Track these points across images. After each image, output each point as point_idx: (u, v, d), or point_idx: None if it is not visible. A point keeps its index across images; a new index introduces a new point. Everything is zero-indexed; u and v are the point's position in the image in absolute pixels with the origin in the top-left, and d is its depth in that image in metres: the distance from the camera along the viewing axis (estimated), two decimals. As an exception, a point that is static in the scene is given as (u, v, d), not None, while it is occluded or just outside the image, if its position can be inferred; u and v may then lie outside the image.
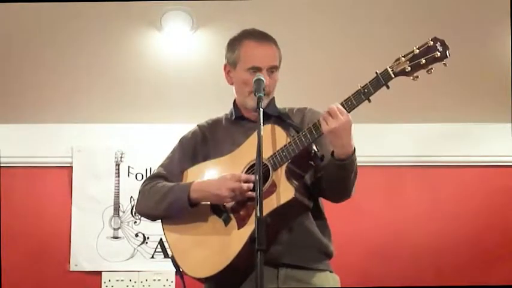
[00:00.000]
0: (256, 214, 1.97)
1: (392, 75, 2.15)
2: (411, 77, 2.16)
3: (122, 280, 4.52)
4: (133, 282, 4.52)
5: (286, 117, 2.44)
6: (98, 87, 4.34)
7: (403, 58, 2.16)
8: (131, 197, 4.58)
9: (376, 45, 3.94)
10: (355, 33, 3.95)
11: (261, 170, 2.05)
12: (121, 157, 4.66)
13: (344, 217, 4.18)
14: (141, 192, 2.50)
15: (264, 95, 2.32)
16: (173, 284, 4.48)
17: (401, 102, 4.26)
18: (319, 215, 2.38)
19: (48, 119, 4.58)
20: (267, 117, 2.40)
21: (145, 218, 2.56)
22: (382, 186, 4.64)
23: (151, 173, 2.59)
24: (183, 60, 4.15)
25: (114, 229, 4.60)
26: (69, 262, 4.52)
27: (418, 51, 2.15)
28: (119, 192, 4.63)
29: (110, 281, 4.52)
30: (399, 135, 4.66)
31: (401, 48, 2.19)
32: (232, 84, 2.51)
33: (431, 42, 2.15)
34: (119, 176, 4.65)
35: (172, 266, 2.39)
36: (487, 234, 4.57)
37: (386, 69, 2.16)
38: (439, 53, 2.12)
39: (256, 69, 2.39)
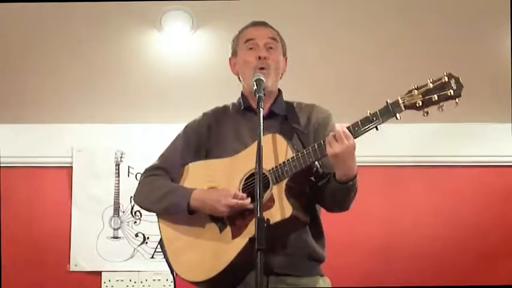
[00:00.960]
0: (256, 214, 1.97)
1: (403, 108, 2.12)
2: (422, 112, 2.13)
3: (122, 280, 4.52)
4: (133, 282, 4.52)
5: (293, 117, 2.42)
6: (98, 87, 4.34)
7: (416, 91, 2.12)
8: (131, 197, 4.57)
9: (375, 45, 3.94)
10: (357, 34, 3.94)
11: (261, 177, 2.04)
12: (121, 157, 4.66)
13: (344, 217, 4.17)
14: (141, 183, 2.52)
15: (264, 69, 2.35)
16: (173, 284, 4.46)
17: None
18: (314, 222, 2.36)
19: (48, 119, 4.58)
20: (273, 116, 2.39)
21: (142, 209, 2.58)
22: (382, 186, 4.64)
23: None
24: (183, 60, 4.15)
25: (114, 229, 4.60)
26: (69, 262, 4.52)
27: (431, 85, 2.11)
28: (119, 192, 4.63)
29: (109, 281, 4.52)
30: (399, 135, 4.65)
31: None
32: (238, 76, 2.51)
33: (446, 78, 2.10)
34: (119, 176, 4.65)
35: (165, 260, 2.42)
36: (487, 234, 4.57)
37: (398, 100, 2.13)
38: (452, 92, 2.08)
39: (252, 43, 2.41)
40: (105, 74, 4.24)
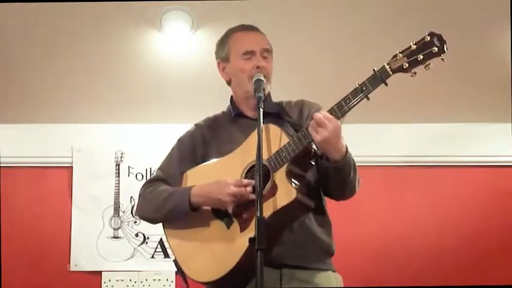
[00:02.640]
0: (256, 214, 1.97)
1: (390, 72, 2.13)
2: (409, 74, 2.13)
3: (122, 280, 4.52)
4: (134, 282, 4.52)
5: (284, 113, 2.44)
6: (97, 87, 4.34)
7: (400, 54, 2.14)
8: (131, 197, 4.58)
9: (375, 44, 3.93)
10: (356, 32, 3.95)
11: (261, 171, 2.05)
12: (121, 157, 4.66)
13: (345, 218, 4.17)
14: (141, 195, 2.50)
15: (264, 77, 2.35)
16: (173, 284, 4.48)
17: (401, 102, 4.26)
18: (320, 212, 2.37)
19: (48, 119, 4.58)
20: (265, 115, 2.40)
21: (146, 221, 2.56)
22: (382, 187, 4.64)
23: (151, 175, 2.59)
24: (183, 60, 4.15)
25: (114, 229, 4.60)
26: (69, 262, 4.52)
27: (415, 46, 2.13)
28: (119, 192, 4.63)
29: (110, 281, 4.52)
30: (399, 135, 4.66)
31: (400, 47, 2.18)
32: (229, 81, 2.52)
33: (428, 37, 2.12)
34: (119, 176, 4.65)
35: (175, 267, 2.40)
36: (487, 234, 4.57)
37: (384, 66, 2.14)
38: (436, 48, 2.10)
39: (250, 54, 2.41)
40: (105, 74, 4.24)
